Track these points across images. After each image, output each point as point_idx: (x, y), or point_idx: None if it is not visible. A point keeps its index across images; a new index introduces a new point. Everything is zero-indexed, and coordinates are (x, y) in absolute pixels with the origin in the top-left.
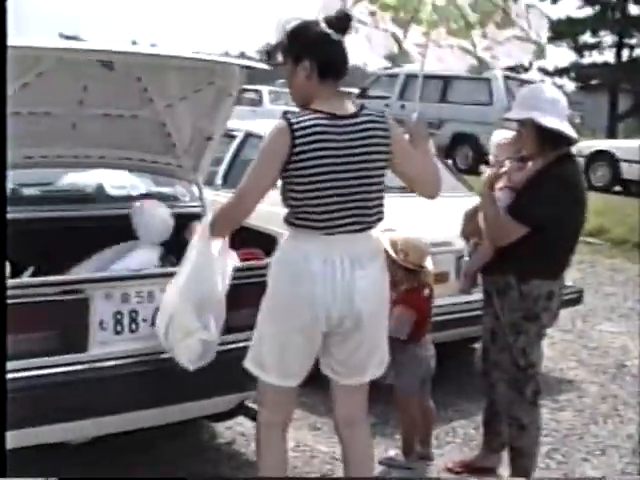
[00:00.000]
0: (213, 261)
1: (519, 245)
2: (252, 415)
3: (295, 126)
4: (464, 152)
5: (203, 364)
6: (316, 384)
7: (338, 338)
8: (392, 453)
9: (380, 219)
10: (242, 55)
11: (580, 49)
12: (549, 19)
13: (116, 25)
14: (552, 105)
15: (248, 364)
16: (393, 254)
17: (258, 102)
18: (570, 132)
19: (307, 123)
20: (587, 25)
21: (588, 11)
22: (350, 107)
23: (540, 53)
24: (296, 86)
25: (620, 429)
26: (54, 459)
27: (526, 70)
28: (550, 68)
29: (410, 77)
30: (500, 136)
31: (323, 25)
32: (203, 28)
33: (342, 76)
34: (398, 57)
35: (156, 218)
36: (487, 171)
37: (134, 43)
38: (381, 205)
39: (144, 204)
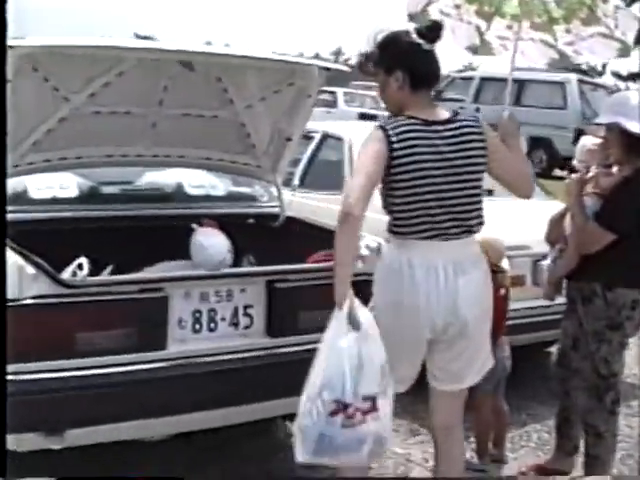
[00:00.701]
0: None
1: (606, 252)
2: None
3: (390, 132)
4: (539, 156)
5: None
6: None
7: (443, 345)
8: (467, 455)
9: (481, 223)
10: (317, 56)
11: None
12: (638, 20)
13: (190, 25)
14: (638, 111)
15: None
16: None
17: (333, 103)
18: None
19: (402, 129)
20: None
21: None
22: (444, 113)
23: (625, 52)
24: (389, 96)
25: None
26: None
27: (600, 74)
28: (624, 72)
29: (485, 80)
30: (588, 142)
31: (414, 35)
32: (277, 29)
33: (435, 85)
34: (480, 49)
35: (209, 250)
36: (573, 177)
37: (208, 43)
38: (480, 209)
39: (199, 231)
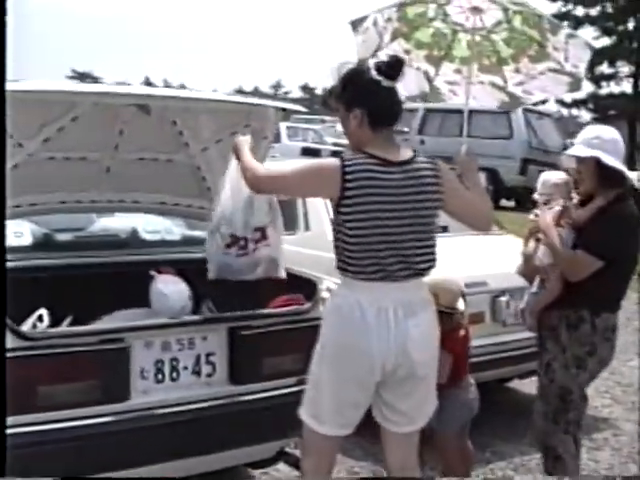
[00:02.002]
0: None
1: (592, 279)
2: (292, 461)
3: (347, 169)
4: (484, 186)
5: None
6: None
7: (391, 386)
8: None
9: (431, 267)
10: (256, 90)
11: (597, 80)
12: (591, 47)
13: (127, 61)
14: (614, 145)
15: (303, 415)
16: None
17: (276, 138)
18: (628, 173)
19: (359, 167)
20: (604, 56)
21: (605, 41)
22: (405, 153)
23: (576, 86)
24: (349, 133)
25: None
26: None
27: (543, 102)
28: (568, 99)
29: (429, 112)
30: (552, 176)
31: (373, 72)
32: (215, 63)
33: (395, 122)
34: (430, 95)
35: (169, 297)
36: (538, 211)
37: (147, 80)
38: (433, 253)
39: (158, 279)
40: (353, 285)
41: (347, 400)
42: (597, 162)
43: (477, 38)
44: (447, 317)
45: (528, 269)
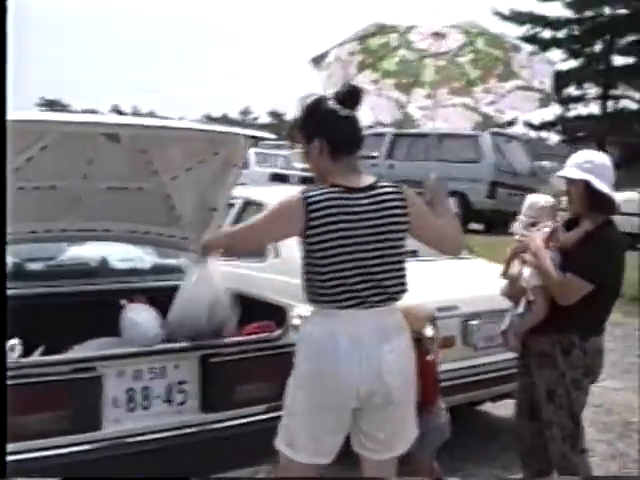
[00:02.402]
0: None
1: (581, 303)
2: None
3: (309, 200)
4: (455, 211)
5: None
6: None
7: (368, 414)
8: None
9: (403, 291)
10: (225, 117)
11: (565, 102)
12: (553, 64)
13: (94, 87)
14: (604, 170)
15: (279, 445)
16: None
17: (245, 164)
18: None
19: (321, 197)
20: (572, 77)
21: (572, 63)
22: (367, 179)
23: (546, 101)
24: (311, 163)
25: None
26: None
27: (510, 124)
28: (536, 122)
29: (397, 136)
30: (539, 199)
31: (331, 102)
32: (183, 89)
33: (356, 150)
34: (404, 122)
35: (141, 326)
36: (524, 231)
37: (116, 107)
38: (403, 277)
39: (129, 308)
40: (326, 314)
41: (322, 427)
42: (587, 185)
43: (443, 62)
44: (415, 343)
45: (514, 290)
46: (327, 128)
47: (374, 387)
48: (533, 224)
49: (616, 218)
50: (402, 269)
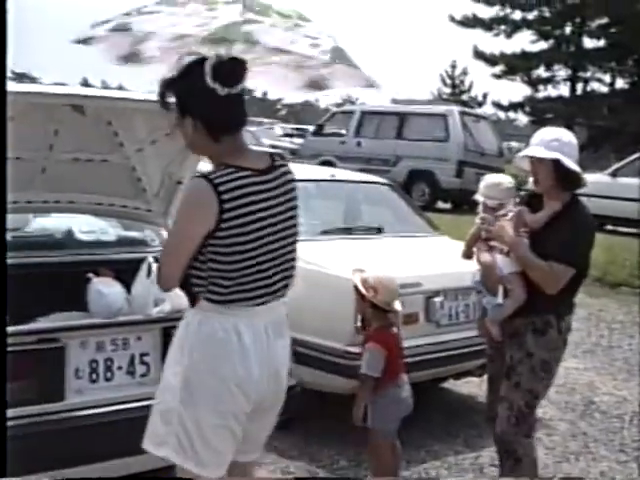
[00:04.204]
0: None
1: None
2: None
3: (221, 188)
4: (420, 188)
5: None
6: (287, 429)
7: (258, 415)
8: None
9: (292, 280)
10: None
11: (534, 83)
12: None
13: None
14: (571, 149)
15: (188, 464)
16: (363, 290)
17: None
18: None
19: (234, 184)
20: (541, 59)
21: (542, 45)
22: (264, 158)
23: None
24: (187, 137)
25: (592, 467)
26: None
27: (480, 105)
28: (505, 102)
29: (365, 114)
30: (503, 179)
31: (208, 78)
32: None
33: (240, 129)
34: None
35: (107, 298)
36: (485, 215)
37: (85, 81)
38: (295, 266)
39: (95, 281)
40: (227, 312)
41: (229, 436)
42: (555, 164)
43: None
44: (382, 314)
45: (490, 281)
46: (201, 107)
47: (273, 386)
48: (499, 207)
49: (583, 200)
50: (295, 258)
